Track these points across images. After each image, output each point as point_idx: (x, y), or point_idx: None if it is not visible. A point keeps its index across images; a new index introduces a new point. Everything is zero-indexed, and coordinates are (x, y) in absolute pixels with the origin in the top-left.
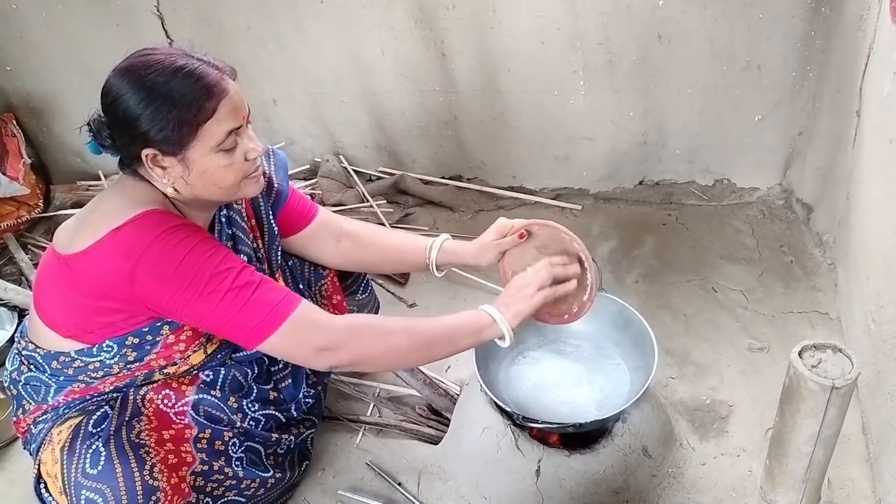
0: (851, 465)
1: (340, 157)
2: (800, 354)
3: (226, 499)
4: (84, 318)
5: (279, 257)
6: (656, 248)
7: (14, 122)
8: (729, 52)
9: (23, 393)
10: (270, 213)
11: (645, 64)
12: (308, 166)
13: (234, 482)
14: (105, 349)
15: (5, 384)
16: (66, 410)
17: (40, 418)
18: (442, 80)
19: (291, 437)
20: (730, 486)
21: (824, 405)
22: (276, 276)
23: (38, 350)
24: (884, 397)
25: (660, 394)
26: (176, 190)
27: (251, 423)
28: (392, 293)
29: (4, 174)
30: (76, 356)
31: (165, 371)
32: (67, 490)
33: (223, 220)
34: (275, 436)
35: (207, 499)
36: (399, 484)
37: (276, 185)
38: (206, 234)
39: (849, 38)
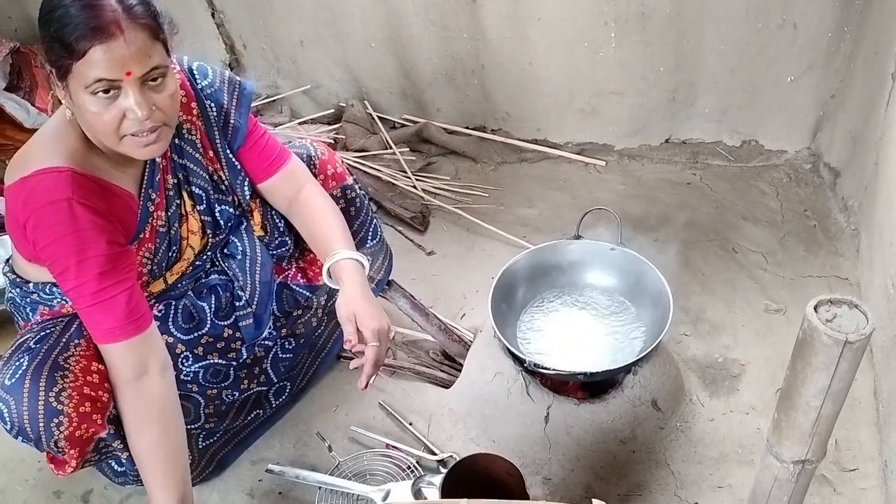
0: (860, 427)
1: (365, 102)
2: (815, 308)
3: None
4: (29, 244)
5: (247, 192)
6: (679, 206)
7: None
8: (765, 9)
9: (13, 311)
10: (227, 148)
11: (678, 18)
12: (332, 110)
13: None
14: (57, 287)
15: (5, 304)
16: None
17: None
18: (471, 26)
19: (235, 392)
20: (737, 441)
21: (836, 359)
22: (251, 210)
23: (9, 274)
24: None
25: (672, 350)
26: (74, 117)
27: (186, 376)
28: (411, 240)
29: (33, 105)
30: (34, 289)
31: None
32: None
33: (174, 148)
34: (213, 390)
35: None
36: (410, 424)
37: (232, 122)
38: (97, 218)
39: None
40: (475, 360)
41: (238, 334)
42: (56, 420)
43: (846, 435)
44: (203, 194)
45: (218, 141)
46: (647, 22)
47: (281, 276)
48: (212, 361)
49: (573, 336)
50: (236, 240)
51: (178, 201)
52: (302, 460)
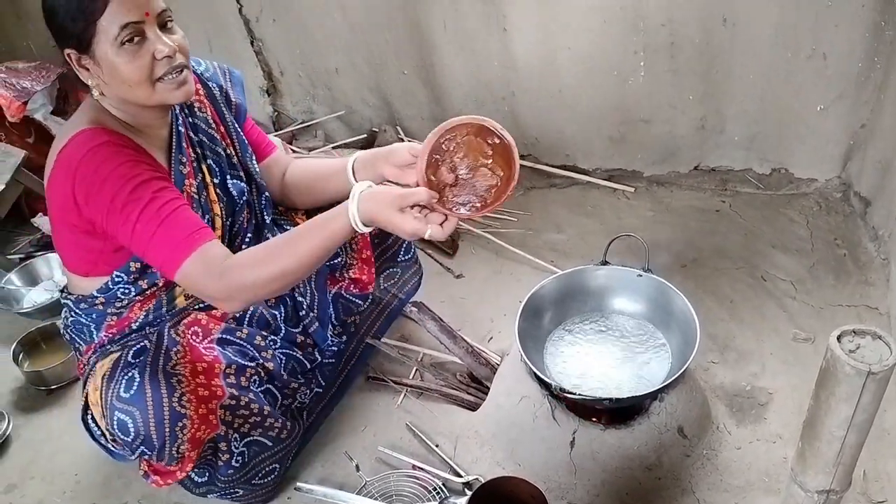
0: (889, 459)
1: (398, 127)
2: (838, 338)
3: (251, 437)
4: (81, 252)
5: (257, 168)
6: (707, 233)
7: None
8: (794, 39)
9: (74, 337)
10: (235, 123)
11: (707, 48)
12: (365, 135)
13: (258, 419)
14: (116, 280)
15: (62, 332)
16: (110, 346)
17: (91, 357)
18: (501, 54)
19: (307, 391)
20: (763, 470)
21: (859, 390)
22: (253, 186)
23: (69, 296)
24: None
25: (700, 377)
26: (103, 94)
27: (276, 360)
28: (440, 263)
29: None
30: (98, 294)
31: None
32: (105, 413)
33: (180, 129)
34: (295, 383)
35: (235, 434)
36: (436, 446)
37: (234, 100)
38: (135, 154)
39: None
40: (502, 383)
41: (310, 340)
42: (180, 423)
43: (874, 466)
44: (216, 168)
45: (227, 116)
46: (675, 51)
47: (335, 287)
48: (295, 354)
49: (599, 361)
50: None
51: (199, 174)
52: (330, 479)
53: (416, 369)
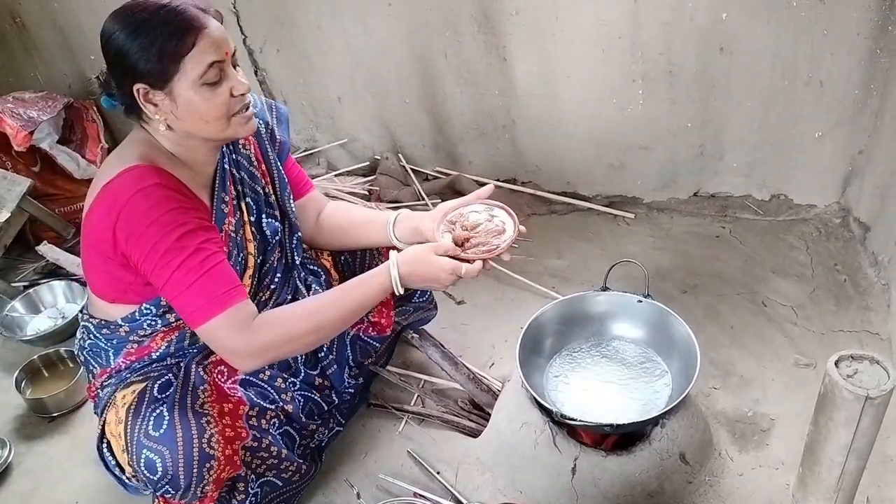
0: (892, 485)
1: (399, 155)
2: (836, 364)
3: (265, 478)
4: (113, 279)
5: (293, 207)
6: (708, 259)
7: (94, 108)
8: (791, 66)
9: (89, 359)
10: (278, 161)
11: (705, 76)
12: (368, 163)
13: (275, 461)
14: (144, 311)
15: (76, 353)
16: (129, 374)
17: (106, 382)
18: (502, 84)
19: (325, 431)
20: (766, 498)
21: (858, 415)
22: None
23: (91, 320)
24: None
25: (701, 403)
26: (169, 127)
27: (294, 402)
28: (442, 291)
29: (83, 157)
30: (122, 323)
31: None
32: (129, 448)
33: (226, 167)
34: (313, 425)
35: (252, 475)
36: (438, 473)
37: (279, 138)
38: (186, 200)
39: None
40: (503, 409)
41: (327, 382)
42: (208, 464)
43: (878, 493)
44: (254, 206)
45: (270, 154)
46: (674, 79)
47: (354, 330)
48: (313, 396)
49: (600, 387)
50: (318, 288)
51: (238, 212)
52: None
53: (418, 395)
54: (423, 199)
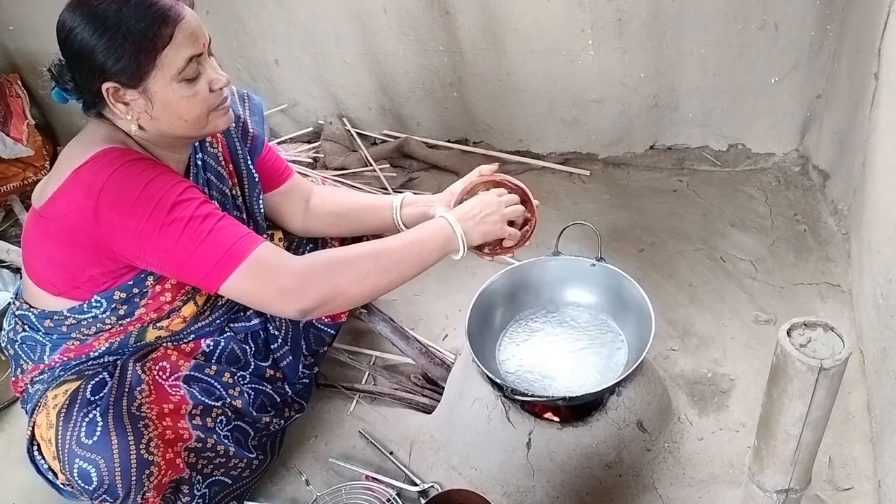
0: (854, 443)
1: (344, 119)
2: (788, 333)
3: (214, 477)
4: (67, 273)
5: (261, 207)
6: (665, 215)
7: (19, 82)
8: (744, 10)
9: (20, 353)
10: (249, 159)
11: (656, 23)
12: (311, 129)
13: (223, 460)
14: (95, 305)
15: (3, 345)
16: (63, 372)
17: (37, 378)
18: (445, 39)
19: (282, 421)
20: (727, 461)
21: (812, 386)
22: (259, 226)
23: (31, 310)
24: (888, 375)
25: (659, 366)
26: (141, 127)
27: (244, 396)
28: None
29: (8, 135)
30: (68, 314)
31: (159, 325)
32: (61, 457)
33: (199, 163)
34: (266, 418)
35: (199, 476)
36: (391, 453)
37: (251, 131)
38: (166, 167)
39: None
40: (454, 385)
41: (279, 374)
42: (147, 471)
43: (840, 452)
44: (220, 207)
45: (240, 152)
46: (624, 28)
47: None
48: (265, 388)
49: (555, 356)
50: None
51: None
52: (279, 495)
53: (368, 373)
54: (371, 165)
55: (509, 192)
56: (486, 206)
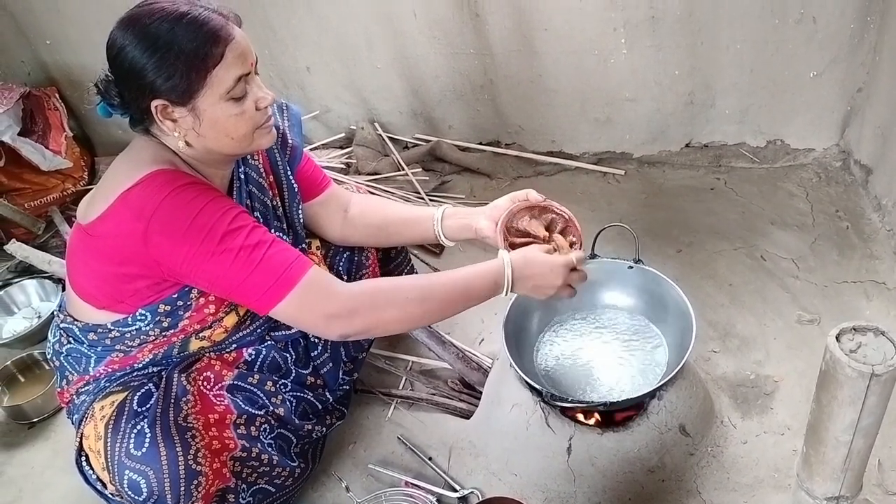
0: None
1: (375, 124)
2: (837, 338)
3: (258, 486)
4: (112, 288)
5: (301, 217)
6: (703, 213)
7: (57, 95)
8: (781, 4)
9: (65, 364)
10: (288, 169)
11: (690, 19)
12: (343, 134)
13: (267, 469)
14: (139, 318)
15: (49, 356)
16: (108, 383)
17: (83, 389)
18: (476, 41)
19: (323, 429)
20: (772, 465)
21: (863, 393)
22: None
23: (75, 323)
24: None
25: (701, 368)
26: (188, 143)
27: (286, 404)
28: (427, 263)
29: (47, 148)
30: (112, 327)
31: (202, 335)
32: (111, 468)
33: (241, 176)
34: (308, 426)
35: (243, 485)
36: (429, 459)
37: (290, 142)
38: (218, 192)
39: None
40: (492, 390)
41: (320, 381)
42: (196, 481)
43: (890, 454)
44: (262, 219)
45: (280, 163)
46: (657, 25)
47: None
48: (306, 396)
49: (594, 360)
50: None
51: None
52: (320, 502)
53: (406, 378)
54: (403, 169)
55: (554, 217)
56: (548, 274)
